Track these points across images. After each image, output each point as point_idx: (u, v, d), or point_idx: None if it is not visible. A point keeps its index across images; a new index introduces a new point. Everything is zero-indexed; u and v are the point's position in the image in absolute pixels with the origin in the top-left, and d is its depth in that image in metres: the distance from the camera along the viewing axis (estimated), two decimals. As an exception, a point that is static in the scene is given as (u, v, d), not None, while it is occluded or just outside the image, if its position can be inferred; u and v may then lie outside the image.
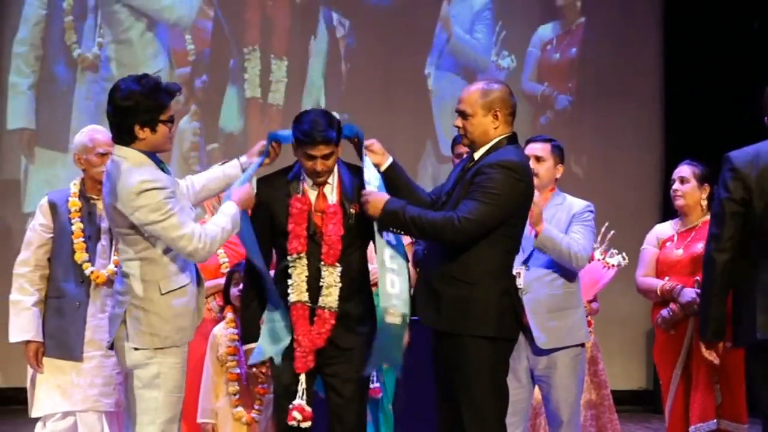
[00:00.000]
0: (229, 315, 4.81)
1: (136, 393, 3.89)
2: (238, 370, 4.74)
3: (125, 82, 3.86)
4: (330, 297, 4.08)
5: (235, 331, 4.76)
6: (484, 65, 8.98)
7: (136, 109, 3.81)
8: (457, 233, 3.93)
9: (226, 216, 3.97)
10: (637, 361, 8.98)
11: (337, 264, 4.09)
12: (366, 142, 4.22)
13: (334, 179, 4.17)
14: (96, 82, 8.47)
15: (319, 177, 4.12)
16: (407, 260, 4.14)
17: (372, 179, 4.10)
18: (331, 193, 4.16)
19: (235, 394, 4.75)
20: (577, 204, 4.81)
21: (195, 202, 4.26)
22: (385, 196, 4.02)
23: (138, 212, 3.76)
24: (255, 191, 4.12)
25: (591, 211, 4.80)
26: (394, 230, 4.04)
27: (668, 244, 5.29)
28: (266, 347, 4.13)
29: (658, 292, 5.17)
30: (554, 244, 4.56)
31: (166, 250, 3.88)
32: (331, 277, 4.09)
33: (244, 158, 4.27)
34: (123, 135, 3.86)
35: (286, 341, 4.11)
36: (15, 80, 8.51)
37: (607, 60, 9.09)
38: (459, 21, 9.02)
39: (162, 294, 3.86)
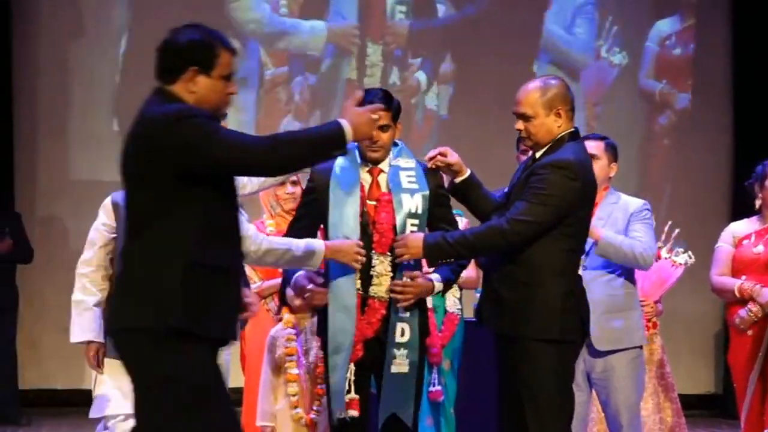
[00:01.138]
0: (286, 316, 4.75)
1: None
2: (297, 371, 4.69)
3: None
4: (381, 286, 4.05)
5: (293, 331, 4.72)
6: (584, 61, 8.88)
7: None
8: (508, 237, 3.87)
9: (299, 246, 3.98)
10: (705, 364, 8.84)
11: (389, 253, 4.03)
12: (441, 157, 4.13)
13: (388, 168, 4.13)
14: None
15: (375, 151, 4.07)
16: (424, 303, 4.14)
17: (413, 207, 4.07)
18: (385, 183, 4.11)
19: (294, 396, 4.70)
20: (634, 203, 4.75)
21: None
22: (420, 235, 3.98)
23: None
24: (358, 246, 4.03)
25: (648, 209, 4.75)
26: (445, 261, 4.01)
27: (745, 242, 5.26)
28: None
29: (736, 292, 5.13)
30: (616, 250, 4.50)
31: None
32: (382, 266, 4.04)
33: None
34: None
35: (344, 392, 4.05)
36: (128, 82, 8.48)
37: (686, 59, 9.01)
38: (561, 16, 8.91)
39: None
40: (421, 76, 8.82)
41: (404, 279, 4.03)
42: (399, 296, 4.01)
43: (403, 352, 4.02)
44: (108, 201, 4.61)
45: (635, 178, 8.72)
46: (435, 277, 4.12)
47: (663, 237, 5.28)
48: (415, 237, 3.97)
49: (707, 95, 8.99)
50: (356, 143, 4.07)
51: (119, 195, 4.59)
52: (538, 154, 4.02)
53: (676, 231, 5.34)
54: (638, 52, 9.00)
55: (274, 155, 3.32)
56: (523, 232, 3.86)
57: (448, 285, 4.19)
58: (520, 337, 3.92)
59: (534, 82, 4.04)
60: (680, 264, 5.22)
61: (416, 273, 4.06)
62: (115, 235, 4.55)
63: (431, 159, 4.13)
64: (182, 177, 3.26)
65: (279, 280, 4.80)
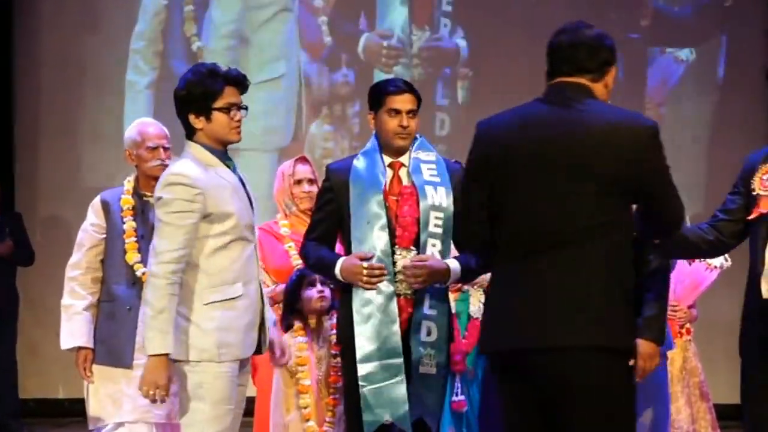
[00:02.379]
0: (297, 323, 4.61)
1: (181, 404, 3.67)
2: (308, 382, 4.56)
3: (186, 72, 3.79)
4: (405, 283, 3.96)
5: (304, 339, 4.59)
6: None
7: (188, 98, 3.72)
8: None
9: None
10: (743, 373, 8.59)
11: (412, 248, 3.98)
12: None
13: (408, 161, 4.09)
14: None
15: (404, 138, 4.03)
16: (448, 305, 4.10)
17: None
18: (406, 176, 4.08)
19: (305, 407, 4.59)
20: None
21: None
22: (643, 342, 3.51)
23: (157, 203, 3.65)
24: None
25: None
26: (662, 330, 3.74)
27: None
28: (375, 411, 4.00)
29: None
30: None
31: (214, 256, 3.64)
32: (406, 262, 3.95)
33: None
34: (186, 127, 3.78)
35: (402, 408, 3.94)
36: (133, 78, 8.25)
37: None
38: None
39: (204, 304, 3.63)
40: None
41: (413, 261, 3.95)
42: (411, 279, 3.93)
43: (430, 352, 3.96)
44: (97, 200, 4.53)
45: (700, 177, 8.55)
46: (452, 262, 4.00)
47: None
48: (645, 348, 3.52)
49: (740, 92, 8.76)
50: (377, 136, 4.11)
51: (108, 194, 4.57)
52: None
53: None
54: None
55: (681, 217, 3.34)
56: None
57: (468, 273, 4.04)
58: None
59: None
60: (715, 267, 5.08)
61: (427, 255, 3.96)
62: (104, 236, 4.46)
63: None
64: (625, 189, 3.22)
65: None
